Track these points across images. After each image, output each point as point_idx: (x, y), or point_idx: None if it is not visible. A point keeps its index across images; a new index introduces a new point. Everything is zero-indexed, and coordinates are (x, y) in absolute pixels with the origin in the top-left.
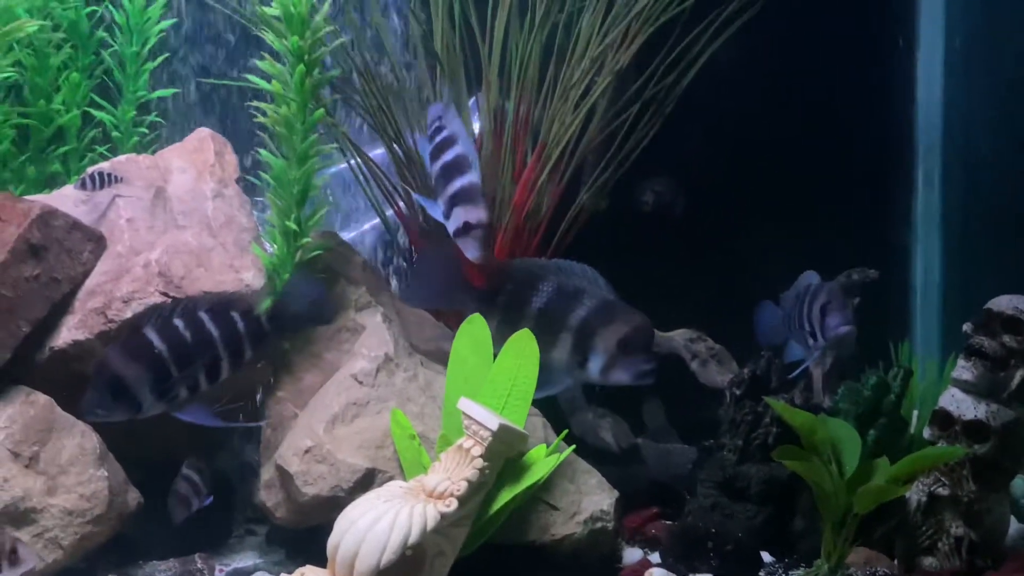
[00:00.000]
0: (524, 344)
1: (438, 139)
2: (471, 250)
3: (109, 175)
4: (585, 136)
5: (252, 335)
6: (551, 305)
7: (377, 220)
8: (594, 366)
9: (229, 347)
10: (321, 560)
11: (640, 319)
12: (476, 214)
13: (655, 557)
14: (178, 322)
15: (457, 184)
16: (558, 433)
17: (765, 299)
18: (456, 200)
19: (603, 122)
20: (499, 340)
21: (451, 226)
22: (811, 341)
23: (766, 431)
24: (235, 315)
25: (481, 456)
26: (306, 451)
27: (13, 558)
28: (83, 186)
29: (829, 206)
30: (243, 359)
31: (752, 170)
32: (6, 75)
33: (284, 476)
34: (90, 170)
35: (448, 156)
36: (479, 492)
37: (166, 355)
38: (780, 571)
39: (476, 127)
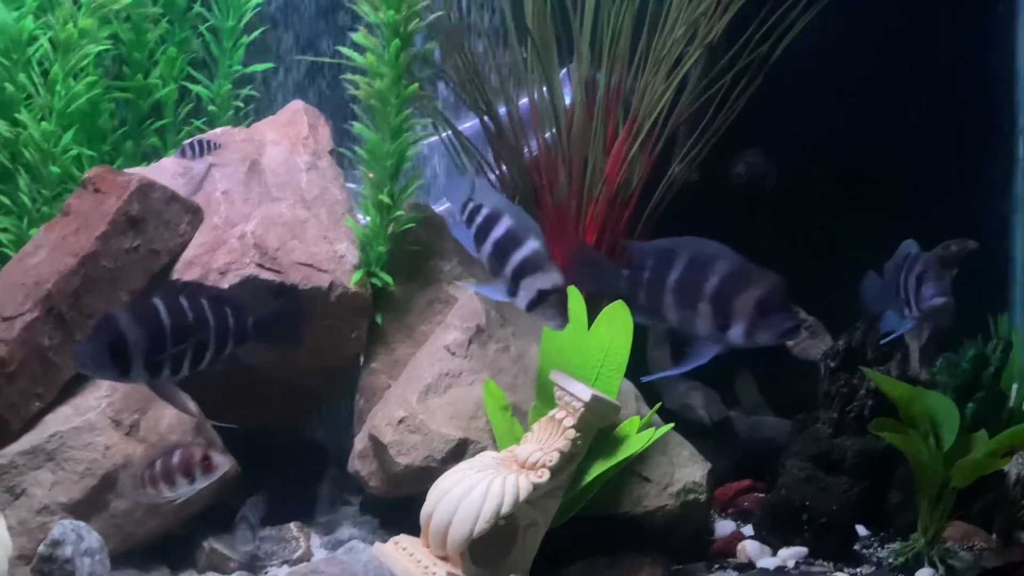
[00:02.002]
0: (617, 314)
1: (479, 220)
2: (553, 319)
3: (208, 143)
4: (677, 107)
5: (237, 334)
6: (687, 277)
7: None
8: (736, 332)
9: (217, 339)
10: (414, 530)
11: (774, 279)
12: (550, 279)
13: (747, 530)
14: (183, 302)
15: (518, 256)
16: (650, 405)
17: (869, 271)
18: (522, 272)
19: (695, 93)
20: (644, 319)
21: (522, 300)
22: (906, 311)
23: (861, 403)
24: (228, 312)
25: (573, 427)
26: (399, 421)
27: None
28: (183, 154)
29: (927, 177)
30: (222, 354)
31: (847, 141)
32: (104, 48)
33: (377, 446)
34: (189, 140)
35: (498, 232)
36: (571, 463)
37: (167, 330)
38: (875, 545)
39: (568, 99)
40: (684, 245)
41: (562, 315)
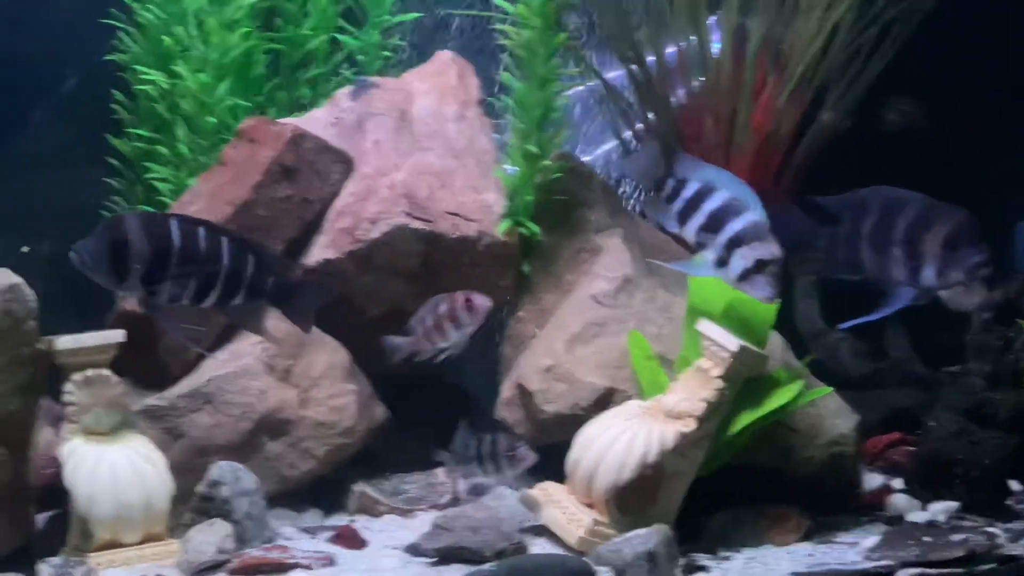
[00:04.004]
0: None
1: (686, 194)
2: (767, 290)
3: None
4: (828, 54)
5: (251, 286)
6: (878, 225)
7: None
8: (929, 273)
9: (227, 282)
10: (559, 476)
11: (960, 214)
12: (768, 250)
13: (897, 483)
14: (200, 231)
15: (736, 226)
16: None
17: (1022, 221)
18: (738, 242)
19: (847, 39)
20: (842, 273)
21: (734, 271)
22: None
23: (1017, 356)
24: (250, 259)
25: (720, 377)
26: (546, 369)
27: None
28: (354, 97)
29: None
30: (230, 301)
31: (1002, 88)
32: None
33: (524, 394)
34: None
35: (713, 204)
36: (718, 413)
37: (174, 252)
38: None
39: (715, 47)
40: (872, 194)
41: (775, 288)
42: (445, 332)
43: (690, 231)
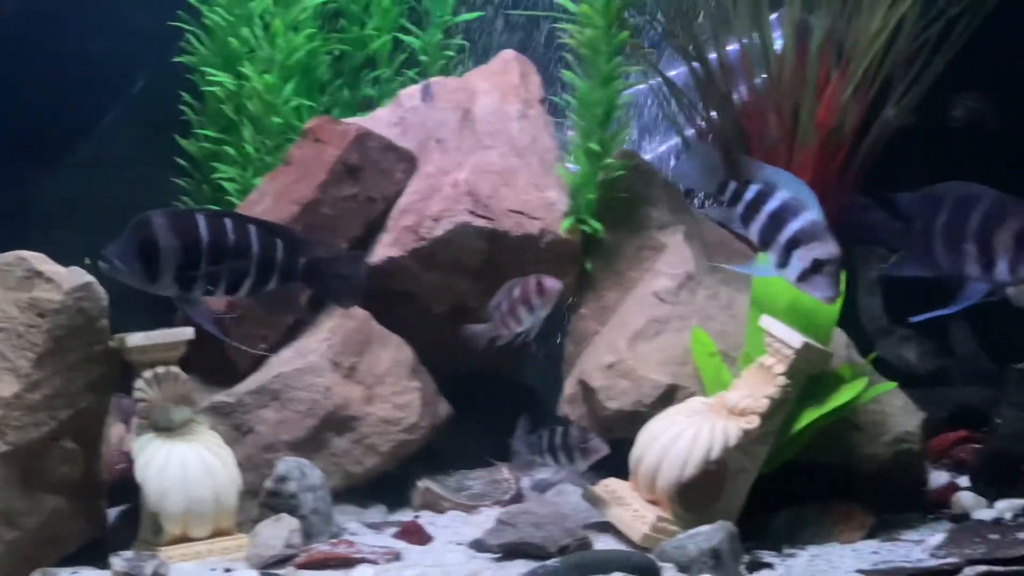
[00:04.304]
0: None
1: (748, 196)
2: (827, 289)
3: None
4: (892, 50)
5: (283, 270)
6: (951, 219)
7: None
8: (1002, 268)
9: (260, 269)
10: (622, 473)
11: None
12: (825, 249)
13: (963, 481)
14: (228, 223)
15: (795, 226)
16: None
17: None
18: (796, 242)
19: (911, 35)
20: (918, 270)
21: (793, 272)
22: None
23: None
24: (279, 244)
25: (783, 374)
26: (609, 366)
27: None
28: (420, 97)
29: None
30: (264, 287)
31: None
32: (322, 0)
33: (587, 391)
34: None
35: (771, 205)
36: (781, 410)
37: (204, 246)
38: None
39: (777, 44)
40: (945, 190)
41: (835, 287)
42: (519, 316)
43: (752, 233)
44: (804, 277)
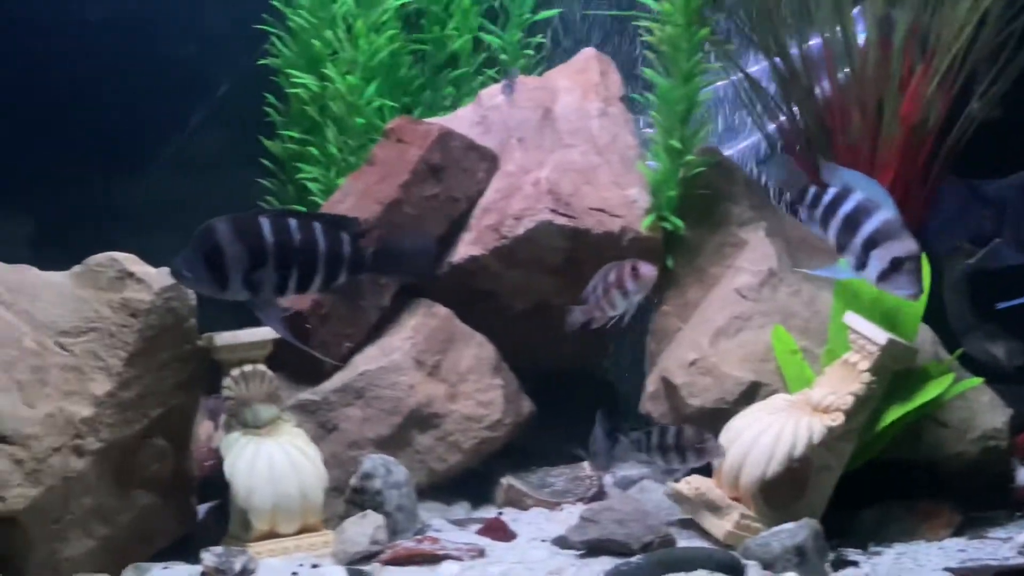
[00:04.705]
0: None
1: (826, 200)
2: (908, 287)
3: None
4: (976, 42)
5: (352, 262)
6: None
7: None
8: None
9: (328, 264)
10: (703, 470)
11: None
12: (903, 247)
13: None
14: (292, 222)
15: (870, 226)
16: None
17: None
18: (873, 242)
19: (996, 27)
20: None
21: (874, 271)
22: None
23: None
24: (344, 237)
25: (868, 371)
26: (691, 363)
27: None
28: (504, 90)
29: None
30: (335, 280)
31: None
32: (403, 1)
33: (669, 387)
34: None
35: (847, 207)
36: (865, 407)
37: (270, 248)
38: None
39: (860, 37)
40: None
41: (917, 284)
42: (613, 300)
43: (830, 236)
44: (884, 276)
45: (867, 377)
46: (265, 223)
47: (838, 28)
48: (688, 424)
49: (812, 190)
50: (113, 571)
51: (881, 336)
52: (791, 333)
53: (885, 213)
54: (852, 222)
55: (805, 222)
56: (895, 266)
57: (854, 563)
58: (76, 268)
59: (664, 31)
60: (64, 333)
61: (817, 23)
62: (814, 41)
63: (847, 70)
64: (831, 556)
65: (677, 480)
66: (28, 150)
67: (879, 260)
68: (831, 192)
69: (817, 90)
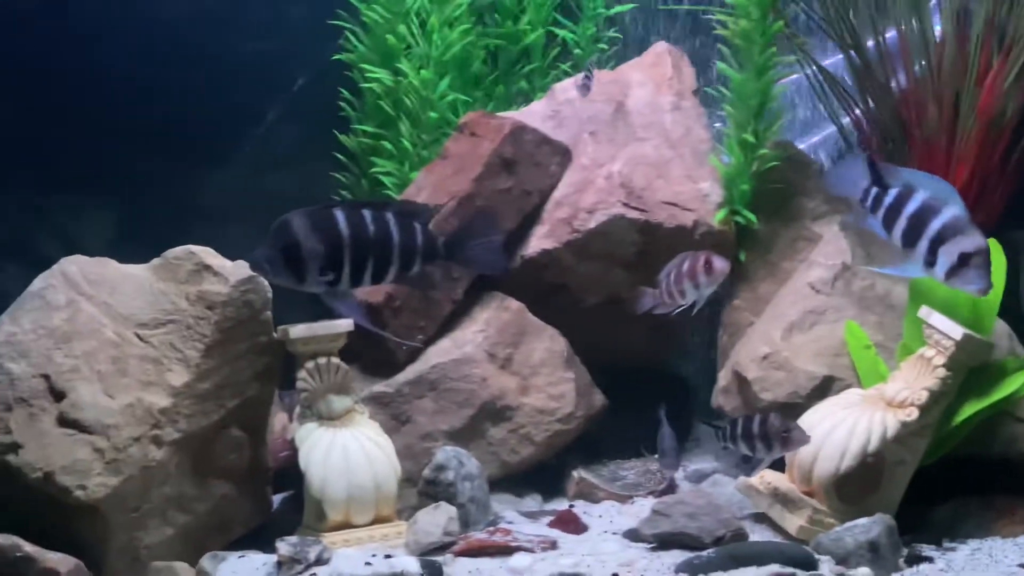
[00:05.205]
0: (992, 253)
1: (888, 200)
2: (977, 282)
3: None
4: None
5: (426, 251)
6: None
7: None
8: None
9: (402, 254)
10: (775, 465)
11: None
12: (970, 242)
13: None
14: (365, 213)
15: (937, 223)
16: None
17: None
18: (940, 239)
19: None
20: None
21: (942, 268)
22: None
23: None
24: (417, 226)
25: (943, 366)
26: (763, 358)
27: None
28: (583, 89)
29: None
30: (409, 270)
31: None
32: None
33: (741, 382)
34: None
35: (912, 206)
36: (941, 402)
37: (345, 241)
38: None
39: (937, 30)
40: None
41: (986, 278)
42: (684, 290)
43: (896, 237)
44: (953, 273)
45: (942, 372)
46: (340, 215)
47: (915, 21)
48: (773, 412)
49: (873, 191)
50: (191, 559)
51: (957, 331)
52: (865, 328)
53: (952, 210)
54: (919, 220)
55: (863, 224)
56: (963, 261)
57: (928, 559)
58: (155, 261)
59: (738, 24)
60: (143, 325)
61: (893, 16)
62: (890, 34)
63: (923, 63)
64: (905, 552)
65: (750, 474)
66: (110, 146)
67: (947, 256)
68: (893, 192)
69: (893, 83)
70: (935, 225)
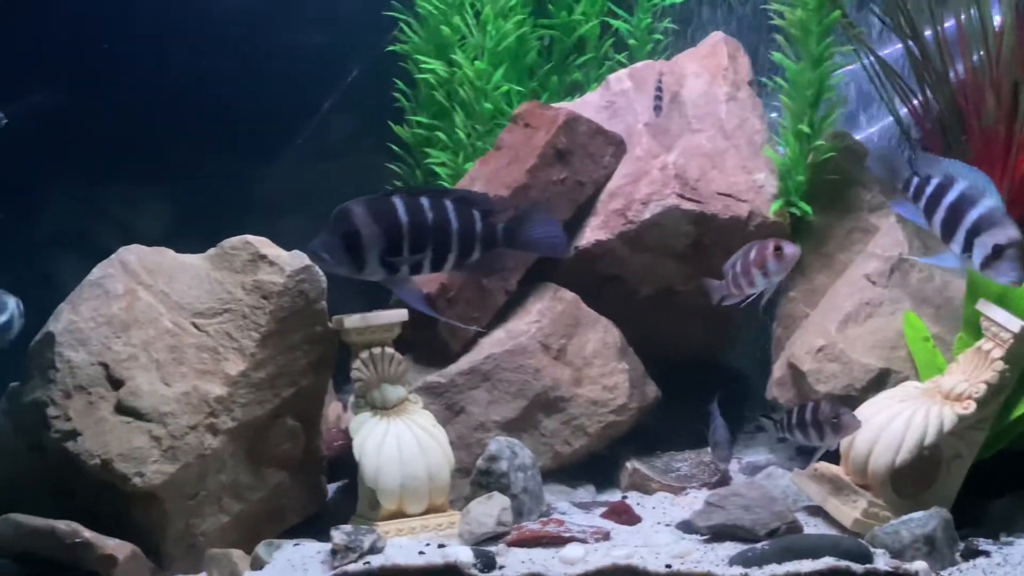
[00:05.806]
0: None
1: (929, 190)
2: (1011, 273)
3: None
4: None
5: (485, 239)
6: None
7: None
8: None
9: (461, 242)
10: (829, 457)
11: None
12: (1005, 234)
13: None
14: (424, 201)
15: (973, 215)
16: None
17: None
18: (976, 231)
19: None
20: None
21: (977, 259)
22: None
23: None
24: (476, 214)
25: (1001, 359)
26: (818, 350)
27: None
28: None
29: None
30: (468, 258)
31: None
32: None
33: (796, 374)
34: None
35: (951, 196)
36: (998, 395)
37: (405, 228)
38: None
39: (996, 19)
40: None
41: (1019, 270)
42: (752, 278)
43: (935, 226)
44: (987, 263)
45: (1000, 365)
46: (399, 203)
47: (973, 10)
48: (824, 400)
49: (915, 181)
50: (246, 547)
51: (1015, 323)
52: (922, 320)
53: (989, 201)
54: (956, 211)
55: (904, 213)
56: (997, 253)
57: (985, 553)
58: (211, 251)
59: (795, 14)
60: (199, 314)
61: (952, 5)
62: (948, 23)
63: (981, 53)
64: (961, 546)
65: (805, 466)
66: (168, 138)
67: (982, 247)
68: (933, 183)
69: (951, 73)
70: (972, 216)
